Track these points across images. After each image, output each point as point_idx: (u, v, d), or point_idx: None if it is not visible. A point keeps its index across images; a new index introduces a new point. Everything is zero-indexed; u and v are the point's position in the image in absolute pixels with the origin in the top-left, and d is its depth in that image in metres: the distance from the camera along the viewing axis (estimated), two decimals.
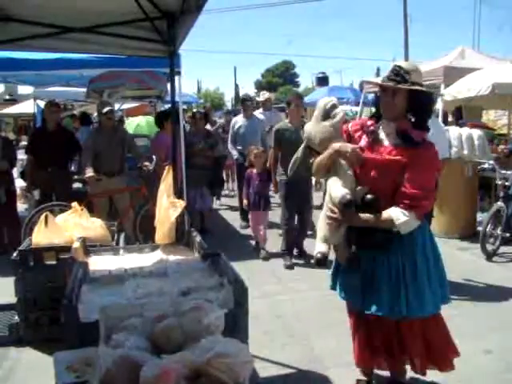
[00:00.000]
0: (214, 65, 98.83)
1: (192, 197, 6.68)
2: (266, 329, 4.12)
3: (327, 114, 2.80)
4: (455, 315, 4.24)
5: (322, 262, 2.74)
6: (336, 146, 2.69)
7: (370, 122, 2.78)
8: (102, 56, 5.66)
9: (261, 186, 6.20)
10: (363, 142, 2.73)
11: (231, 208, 9.32)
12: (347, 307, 3.07)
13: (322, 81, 24.58)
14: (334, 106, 2.85)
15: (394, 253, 2.69)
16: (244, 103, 8.34)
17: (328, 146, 2.73)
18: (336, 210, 2.65)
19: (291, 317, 4.41)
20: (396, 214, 2.55)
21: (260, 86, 65.65)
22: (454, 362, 2.91)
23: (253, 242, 6.65)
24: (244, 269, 5.44)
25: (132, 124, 12.44)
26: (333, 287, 3.03)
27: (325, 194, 2.93)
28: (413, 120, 2.66)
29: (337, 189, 2.66)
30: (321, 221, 2.80)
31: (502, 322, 4.28)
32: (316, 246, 2.79)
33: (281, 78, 64.64)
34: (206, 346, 1.60)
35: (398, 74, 2.58)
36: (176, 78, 6.28)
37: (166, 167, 3.62)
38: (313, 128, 2.86)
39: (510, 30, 75.57)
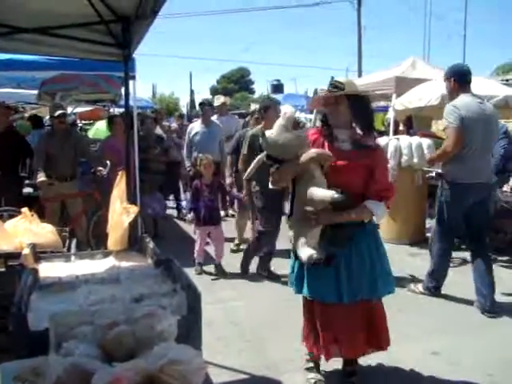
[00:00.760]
0: (170, 70, 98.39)
1: (145, 202, 6.62)
2: (221, 335, 4.12)
3: (297, 123, 2.96)
4: (402, 319, 4.37)
5: (331, 259, 2.96)
6: (314, 152, 2.94)
7: (324, 130, 3.15)
8: (55, 58, 5.52)
9: (211, 199, 5.79)
10: (326, 148, 3.04)
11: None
12: (307, 305, 3.27)
13: (277, 88, 24.87)
14: (298, 117, 3.10)
15: (361, 242, 3.09)
16: (203, 108, 7.95)
17: (298, 154, 2.95)
18: (317, 211, 2.93)
19: (246, 323, 4.43)
20: (374, 206, 3.01)
21: (215, 92, 65.63)
22: None
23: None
24: (198, 275, 5.49)
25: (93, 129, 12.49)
26: (298, 291, 3.23)
27: (292, 203, 3.08)
28: (360, 128, 3.11)
29: (321, 192, 2.87)
30: (296, 228, 3.02)
31: (448, 324, 4.43)
32: (302, 252, 2.93)
33: (236, 84, 64.79)
34: (158, 353, 1.60)
35: (336, 87, 3.02)
36: (130, 82, 6.22)
37: (119, 172, 3.58)
38: (280, 136, 2.93)
39: (457, 42, 78.33)
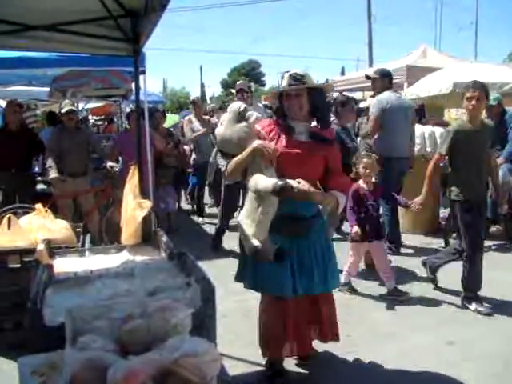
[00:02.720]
0: (180, 64, 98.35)
1: (159, 197, 6.65)
2: (235, 327, 4.13)
3: (242, 117, 3.04)
4: (418, 308, 4.36)
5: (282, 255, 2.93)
6: (256, 143, 2.96)
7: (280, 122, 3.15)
8: (65, 55, 5.55)
9: (376, 207, 4.91)
10: (283, 139, 3.05)
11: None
12: (268, 300, 3.31)
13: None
14: (245, 109, 3.17)
15: (315, 234, 3.15)
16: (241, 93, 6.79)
17: (245, 146, 3.01)
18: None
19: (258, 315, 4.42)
20: (339, 196, 3.02)
21: (226, 86, 65.58)
22: None
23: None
24: (211, 268, 5.46)
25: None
26: (255, 288, 3.34)
27: (244, 195, 3.13)
28: (318, 120, 3.15)
29: (265, 180, 2.86)
30: (245, 219, 2.97)
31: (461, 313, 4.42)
32: (250, 242, 2.89)
33: (247, 77, 64.64)
34: (173, 346, 1.60)
35: (297, 80, 3.01)
36: (141, 77, 6.23)
37: (132, 167, 3.59)
38: (227, 131, 3.07)
39: (469, 32, 77.47)
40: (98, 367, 1.55)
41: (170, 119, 13.20)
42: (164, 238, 3.17)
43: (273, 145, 2.97)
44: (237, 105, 3.08)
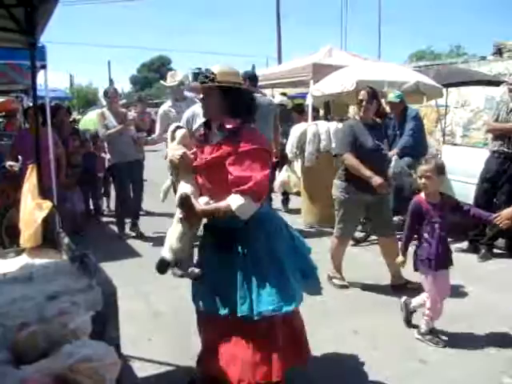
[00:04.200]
0: (88, 59, 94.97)
1: (64, 197, 6.40)
2: (144, 328, 4.06)
3: (173, 137, 3.04)
4: (324, 299, 4.48)
5: (164, 269, 2.92)
6: (169, 154, 2.91)
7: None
8: None
9: (443, 226, 3.80)
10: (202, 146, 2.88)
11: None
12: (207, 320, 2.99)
13: (197, 76, 24.61)
14: (176, 129, 3.11)
15: (242, 249, 2.74)
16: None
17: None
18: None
19: (169, 315, 4.38)
20: (232, 199, 2.59)
21: (136, 81, 64.31)
22: None
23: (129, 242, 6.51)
24: (120, 269, 5.36)
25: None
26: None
27: None
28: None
29: (179, 190, 2.85)
30: (169, 230, 2.90)
31: (371, 303, 4.60)
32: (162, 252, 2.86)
33: (157, 73, 63.70)
34: (69, 352, 1.54)
35: (207, 77, 2.73)
36: (42, 71, 5.95)
37: (30, 166, 3.42)
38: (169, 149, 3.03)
39: (373, 33, 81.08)
40: None
41: (86, 122, 12.23)
42: (66, 240, 3.04)
43: (179, 153, 2.86)
44: (171, 128, 3.07)
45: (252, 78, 5.88)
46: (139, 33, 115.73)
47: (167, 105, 6.48)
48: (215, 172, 2.71)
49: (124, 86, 58.46)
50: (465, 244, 6.17)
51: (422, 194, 3.85)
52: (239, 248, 2.74)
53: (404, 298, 4.16)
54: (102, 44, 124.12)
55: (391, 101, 6.73)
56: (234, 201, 2.57)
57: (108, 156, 7.34)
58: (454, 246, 6.27)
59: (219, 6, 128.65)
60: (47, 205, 3.27)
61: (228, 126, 2.73)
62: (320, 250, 5.65)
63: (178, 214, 2.78)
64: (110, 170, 7.90)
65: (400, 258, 3.89)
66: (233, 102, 2.73)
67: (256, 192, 2.58)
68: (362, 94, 4.77)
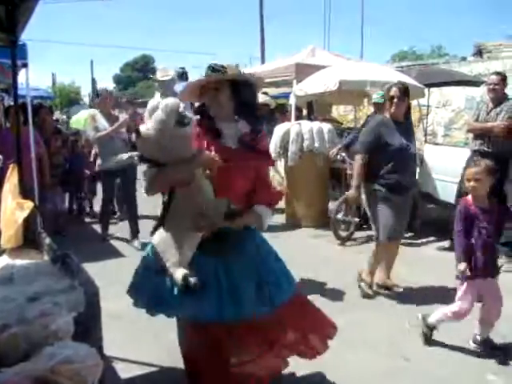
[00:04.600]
0: (70, 58, 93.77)
1: (46, 197, 6.33)
2: (129, 328, 4.03)
3: (182, 119, 2.37)
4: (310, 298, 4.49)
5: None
6: (206, 156, 2.48)
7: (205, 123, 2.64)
8: None
9: (489, 234, 3.57)
10: (210, 145, 2.57)
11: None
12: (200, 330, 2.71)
13: (182, 76, 24.54)
14: (185, 110, 2.47)
15: (242, 253, 2.70)
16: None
17: (181, 156, 2.45)
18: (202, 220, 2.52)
19: (153, 316, 4.34)
20: (263, 211, 2.65)
21: (119, 81, 63.89)
22: None
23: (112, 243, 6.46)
24: (102, 270, 5.32)
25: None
26: (169, 312, 2.87)
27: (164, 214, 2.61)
28: (246, 121, 2.64)
29: (214, 202, 2.53)
30: (170, 246, 2.58)
31: (347, 301, 4.63)
32: (177, 272, 2.54)
33: (140, 72, 63.41)
34: (50, 353, 1.52)
35: (215, 70, 2.56)
36: (23, 70, 5.88)
37: (10, 166, 3.38)
38: (159, 134, 2.38)
39: (355, 33, 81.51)
40: None
41: (78, 121, 11.84)
42: (47, 240, 3.01)
43: (217, 157, 2.49)
44: (174, 103, 2.39)
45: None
46: (122, 32, 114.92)
47: (156, 100, 5.94)
48: (232, 175, 2.57)
49: (107, 85, 58.04)
50: (447, 242, 6.23)
51: (469, 197, 3.66)
52: (244, 250, 2.70)
53: (420, 315, 3.91)
54: (85, 43, 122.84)
55: (376, 101, 6.76)
56: (265, 212, 2.67)
57: (98, 161, 6.97)
58: (436, 245, 6.39)
59: (202, 5, 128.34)
60: (28, 205, 3.23)
61: (257, 145, 2.66)
62: (302, 249, 5.69)
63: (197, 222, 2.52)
64: (99, 174, 7.60)
65: (463, 266, 3.51)
66: (242, 99, 2.60)
67: (276, 204, 2.84)
68: (394, 91, 4.54)
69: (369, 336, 3.92)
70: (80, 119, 11.37)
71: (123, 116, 6.85)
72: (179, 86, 8.15)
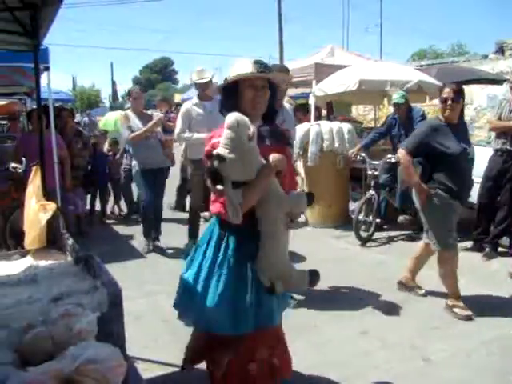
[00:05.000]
0: (91, 61, 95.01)
1: (68, 198, 6.41)
2: (149, 329, 4.06)
3: (251, 133, 2.34)
4: (333, 299, 4.48)
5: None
6: (276, 162, 2.42)
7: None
8: None
9: None
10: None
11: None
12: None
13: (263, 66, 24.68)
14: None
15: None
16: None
17: (257, 169, 2.39)
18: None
19: (173, 315, 4.34)
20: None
21: (138, 83, 64.35)
22: None
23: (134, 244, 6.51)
24: (124, 270, 5.37)
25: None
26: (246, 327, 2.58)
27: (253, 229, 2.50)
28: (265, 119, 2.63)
29: (297, 201, 2.57)
30: (272, 258, 2.49)
31: (369, 302, 4.59)
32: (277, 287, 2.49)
33: (159, 74, 63.82)
34: (74, 354, 1.54)
35: (264, 67, 2.52)
36: (45, 73, 5.96)
37: (34, 168, 3.43)
38: (240, 154, 2.31)
39: (375, 33, 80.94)
40: None
41: (108, 122, 11.69)
42: (70, 241, 3.04)
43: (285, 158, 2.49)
44: (243, 119, 2.33)
45: None
46: (141, 34, 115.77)
47: (191, 102, 6.00)
48: (284, 171, 2.56)
49: (127, 87, 58.51)
50: (469, 243, 6.16)
51: None
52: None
53: None
54: (105, 46, 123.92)
55: (396, 102, 6.70)
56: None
57: (133, 162, 6.47)
58: (459, 246, 6.32)
59: (220, 7, 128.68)
60: (51, 206, 3.26)
61: (284, 135, 2.70)
62: (323, 250, 5.67)
63: (285, 221, 2.53)
64: (130, 176, 7.62)
65: None
66: (273, 98, 2.61)
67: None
68: (447, 92, 4.17)
69: (389, 336, 3.90)
70: (109, 121, 11.43)
71: (157, 114, 6.58)
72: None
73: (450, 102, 4.13)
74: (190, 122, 5.77)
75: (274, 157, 2.42)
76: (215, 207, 2.57)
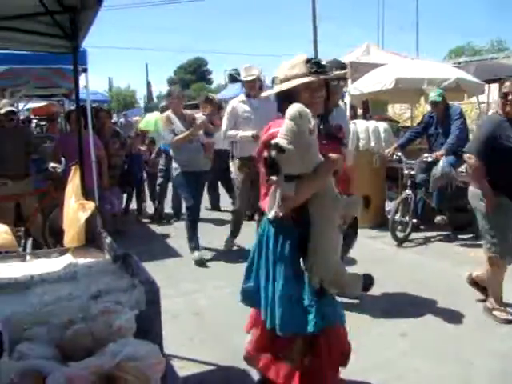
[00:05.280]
0: (126, 62, 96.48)
1: (104, 197, 6.52)
2: (185, 327, 4.09)
3: (312, 125, 2.26)
4: (371, 300, 4.43)
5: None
6: (335, 160, 2.40)
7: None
8: (1, 52, 5.34)
9: None
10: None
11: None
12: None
13: (235, 78, 24.69)
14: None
15: None
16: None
17: (316, 163, 2.35)
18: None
19: (209, 314, 4.41)
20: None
21: (173, 83, 64.98)
22: None
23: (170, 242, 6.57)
24: (160, 269, 5.43)
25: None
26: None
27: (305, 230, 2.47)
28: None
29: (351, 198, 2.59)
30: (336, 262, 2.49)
31: (407, 303, 4.53)
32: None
33: (193, 74, 64.28)
34: (114, 350, 1.56)
35: (321, 66, 2.47)
36: (83, 75, 6.08)
37: (73, 168, 3.49)
38: (301, 147, 2.26)
39: (411, 31, 79.67)
40: (36, 376, 1.49)
41: (149, 123, 11.74)
42: (108, 240, 3.09)
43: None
44: (305, 111, 2.26)
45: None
46: (175, 35, 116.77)
47: (237, 100, 5.92)
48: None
49: (161, 87, 59.23)
50: None
51: None
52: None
53: None
54: (140, 47, 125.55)
55: (434, 100, 6.57)
56: None
57: (174, 165, 6.14)
58: None
59: (254, 6, 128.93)
60: (90, 205, 3.32)
61: (336, 125, 2.70)
62: (359, 250, 5.60)
63: (339, 221, 2.50)
64: (166, 176, 7.87)
65: None
66: (327, 96, 2.57)
67: None
68: (508, 86, 3.94)
69: (429, 339, 3.83)
70: (150, 121, 11.52)
71: (200, 117, 6.37)
72: (231, 88, 7.98)
73: (510, 96, 3.92)
74: (237, 120, 5.72)
75: (334, 155, 2.39)
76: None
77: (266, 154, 2.30)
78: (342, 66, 4.35)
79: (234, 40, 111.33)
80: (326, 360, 2.60)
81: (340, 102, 4.96)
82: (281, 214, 2.38)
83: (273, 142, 2.26)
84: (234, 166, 6.28)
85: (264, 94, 4.07)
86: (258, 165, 2.57)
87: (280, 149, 2.21)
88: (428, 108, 7.30)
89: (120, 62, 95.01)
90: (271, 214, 2.42)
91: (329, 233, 2.43)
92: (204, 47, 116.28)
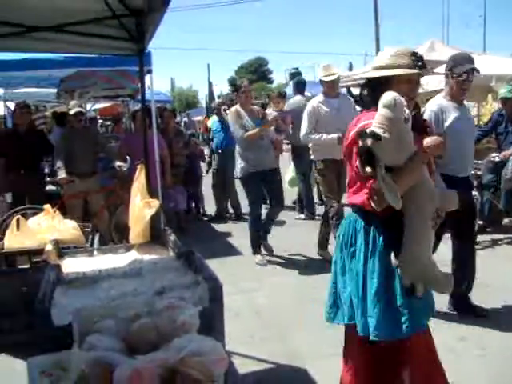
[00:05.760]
0: (188, 63, 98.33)
1: (168, 195, 6.66)
2: (245, 325, 4.12)
3: (407, 114, 2.18)
4: None
5: None
6: (434, 145, 2.37)
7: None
8: (70, 55, 5.56)
9: None
10: None
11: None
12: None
13: (295, 76, 24.65)
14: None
15: None
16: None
17: (411, 153, 2.24)
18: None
19: (269, 312, 4.42)
20: None
21: (234, 83, 65.56)
22: None
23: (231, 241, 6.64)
24: (221, 266, 5.48)
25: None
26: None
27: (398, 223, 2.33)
28: None
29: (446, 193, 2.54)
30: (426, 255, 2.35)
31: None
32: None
33: (254, 74, 64.61)
34: (179, 345, 1.60)
35: (422, 60, 2.37)
36: (148, 76, 6.24)
37: (139, 166, 3.59)
38: (399, 136, 2.16)
39: (477, 27, 76.88)
40: (105, 367, 1.54)
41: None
42: (172, 237, 3.16)
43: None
44: (401, 99, 2.17)
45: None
46: (237, 35, 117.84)
47: (317, 100, 5.63)
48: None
49: (223, 87, 59.87)
50: None
51: None
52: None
53: None
54: (201, 47, 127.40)
55: (504, 96, 6.31)
56: None
57: (241, 163, 5.82)
58: None
59: (314, 4, 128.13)
60: (155, 203, 3.40)
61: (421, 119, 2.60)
62: None
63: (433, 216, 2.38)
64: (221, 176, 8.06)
65: None
66: None
67: None
68: None
69: (489, 343, 3.69)
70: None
71: (271, 113, 6.24)
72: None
73: None
74: (317, 121, 5.48)
75: (427, 142, 2.29)
76: (358, 197, 2.35)
77: (360, 143, 2.19)
78: (470, 60, 4.20)
79: (294, 39, 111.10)
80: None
81: None
82: (379, 209, 2.24)
83: (368, 130, 2.15)
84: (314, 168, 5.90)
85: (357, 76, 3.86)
86: (347, 161, 2.44)
87: (376, 137, 2.10)
88: (496, 106, 7.02)
89: (182, 62, 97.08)
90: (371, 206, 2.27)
91: (423, 227, 2.30)
92: (264, 47, 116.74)
